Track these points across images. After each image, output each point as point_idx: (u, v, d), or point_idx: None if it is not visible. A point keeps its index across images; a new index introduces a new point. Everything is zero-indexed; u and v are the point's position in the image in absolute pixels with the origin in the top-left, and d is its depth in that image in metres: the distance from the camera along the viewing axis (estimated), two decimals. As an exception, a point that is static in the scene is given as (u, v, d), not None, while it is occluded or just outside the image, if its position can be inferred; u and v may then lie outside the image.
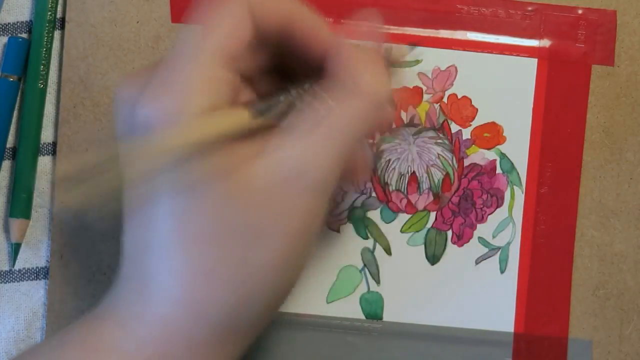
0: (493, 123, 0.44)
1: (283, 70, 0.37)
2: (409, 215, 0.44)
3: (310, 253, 0.36)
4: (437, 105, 0.44)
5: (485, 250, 0.44)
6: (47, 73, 0.44)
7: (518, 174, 0.44)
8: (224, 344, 0.34)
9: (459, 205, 0.44)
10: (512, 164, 0.44)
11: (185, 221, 0.33)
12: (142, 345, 0.33)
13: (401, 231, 0.44)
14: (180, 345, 0.33)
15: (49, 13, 0.44)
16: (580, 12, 0.44)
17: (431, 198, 0.44)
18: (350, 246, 0.44)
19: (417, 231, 0.44)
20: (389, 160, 0.44)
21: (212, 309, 0.33)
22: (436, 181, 0.44)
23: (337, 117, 0.34)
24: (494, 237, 0.44)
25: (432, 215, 0.44)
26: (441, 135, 0.44)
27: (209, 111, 0.32)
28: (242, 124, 0.33)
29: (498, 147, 0.44)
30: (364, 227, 0.44)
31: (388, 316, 0.44)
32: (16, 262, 0.44)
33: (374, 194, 0.44)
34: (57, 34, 0.45)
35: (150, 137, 0.32)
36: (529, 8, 0.44)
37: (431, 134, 0.44)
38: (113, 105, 0.35)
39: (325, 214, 0.35)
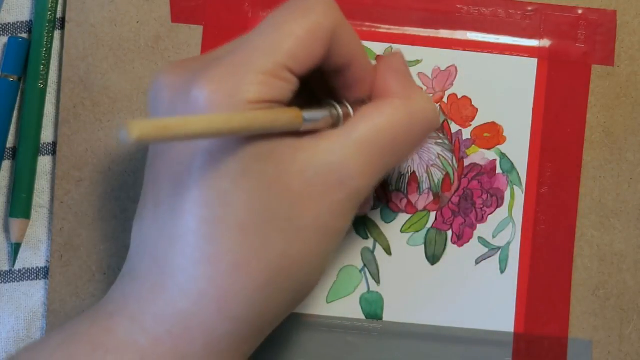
0: (493, 123, 0.44)
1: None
2: (409, 215, 0.44)
3: (332, 258, 0.36)
4: (437, 105, 0.44)
5: (485, 250, 0.44)
6: (47, 73, 0.44)
7: (518, 174, 0.44)
8: (242, 343, 0.33)
9: (459, 205, 0.44)
10: (512, 164, 0.44)
11: (221, 207, 0.32)
12: (158, 342, 0.32)
13: (401, 231, 0.44)
14: (199, 341, 0.32)
15: (49, 13, 0.44)
16: (580, 12, 0.44)
17: (431, 198, 0.44)
18: (350, 246, 0.44)
19: (417, 231, 0.44)
20: (389, 160, 0.44)
21: (238, 304, 0.32)
22: (436, 181, 0.44)
23: (380, 129, 0.34)
24: (494, 237, 0.44)
25: (432, 215, 0.44)
26: (441, 135, 0.44)
27: (263, 104, 0.32)
28: (295, 123, 0.33)
29: (498, 147, 0.44)
30: (364, 227, 0.44)
31: (388, 316, 0.44)
32: (16, 262, 0.44)
33: (374, 194, 0.44)
34: (57, 34, 0.45)
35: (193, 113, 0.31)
36: (529, 8, 0.44)
37: (431, 134, 0.44)
38: (151, 93, 0.35)
39: (352, 220, 0.35)
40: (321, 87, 0.37)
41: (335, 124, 0.35)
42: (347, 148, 0.34)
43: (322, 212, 0.33)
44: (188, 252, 0.32)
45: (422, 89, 0.37)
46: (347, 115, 0.35)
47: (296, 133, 0.33)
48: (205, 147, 0.32)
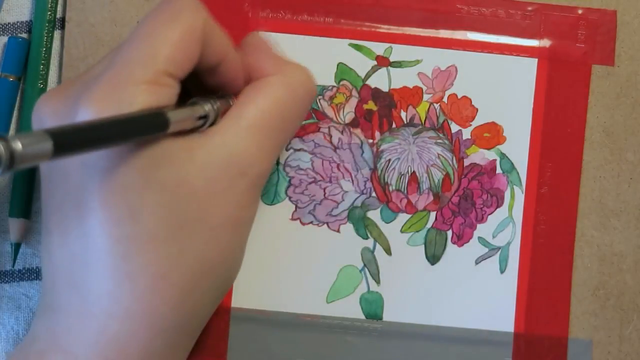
0: (493, 123, 0.44)
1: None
2: (409, 215, 0.44)
3: (245, 246, 0.35)
4: (437, 105, 0.44)
5: (485, 250, 0.44)
6: (47, 73, 0.44)
7: (518, 174, 0.44)
8: (177, 350, 0.33)
9: (459, 205, 0.44)
10: (512, 164, 0.44)
11: (130, 221, 0.31)
12: None
13: (401, 231, 0.44)
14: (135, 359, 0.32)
15: (49, 13, 0.44)
16: (580, 12, 0.44)
17: (431, 198, 0.44)
18: (350, 246, 0.44)
19: (417, 231, 0.44)
20: (389, 160, 0.44)
21: (168, 316, 0.32)
22: (436, 181, 0.44)
23: (269, 110, 0.34)
24: (494, 237, 0.44)
25: (432, 215, 0.44)
26: (441, 135, 0.44)
27: None
28: (159, 122, 0.32)
29: (498, 147, 0.44)
30: (364, 227, 0.44)
31: (388, 316, 0.44)
32: (16, 262, 0.44)
33: (374, 194, 0.44)
34: (57, 34, 0.45)
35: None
36: (529, 8, 0.44)
37: (431, 134, 0.44)
38: (33, 121, 0.34)
39: (257, 206, 0.35)
40: (196, 87, 0.37)
41: (208, 119, 0.34)
42: (240, 137, 0.33)
43: (229, 205, 0.33)
44: (107, 274, 0.31)
45: (293, 61, 0.37)
46: (217, 110, 0.35)
47: (188, 133, 0.33)
48: (101, 166, 0.31)
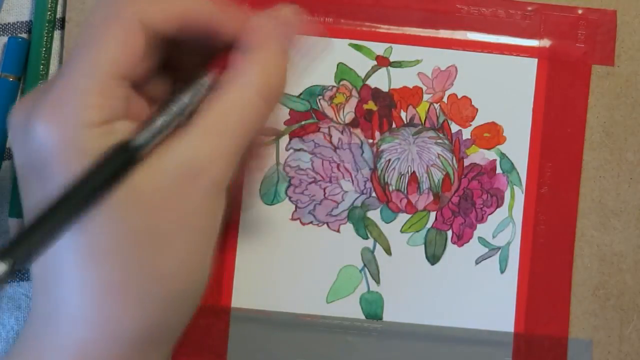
0: (493, 123, 0.44)
1: (176, 67, 0.36)
2: (409, 215, 0.44)
3: (212, 255, 0.34)
4: (437, 105, 0.44)
5: (485, 250, 0.44)
6: (47, 73, 0.44)
7: (518, 174, 0.44)
8: (146, 355, 0.33)
9: (459, 205, 0.44)
10: (512, 164, 0.44)
11: (88, 235, 0.31)
12: None
13: (401, 231, 0.44)
14: None
15: (49, 13, 0.44)
16: (580, 12, 0.44)
17: (431, 198, 0.44)
18: (350, 246, 0.44)
19: (417, 231, 0.44)
20: (389, 160, 0.44)
21: (127, 324, 0.32)
22: (436, 181, 0.44)
23: (224, 110, 0.33)
24: (494, 237, 0.44)
25: (432, 215, 0.44)
26: (441, 135, 0.44)
27: (105, 123, 0.32)
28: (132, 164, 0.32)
29: (498, 147, 0.44)
30: (364, 227, 0.44)
31: (388, 316, 0.44)
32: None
33: (374, 194, 0.44)
34: (57, 34, 0.45)
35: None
36: (529, 8, 0.44)
37: (431, 134, 0.44)
38: (8, 133, 0.34)
39: (224, 209, 0.34)
40: (182, 65, 0.36)
41: (195, 106, 0.34)
42: (191, 142, 0.32)
43: (183, 215, 0.32)
44: (69, 283, 0.32)
45: (282, 58, 0.35)
46: (204, 91, 0.34)
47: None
48: (62, 182, 0.31)
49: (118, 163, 0.31)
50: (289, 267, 0.44)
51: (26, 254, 0.29)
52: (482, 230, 0.44)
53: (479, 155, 0.44)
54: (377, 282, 0.44)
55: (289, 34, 0.36)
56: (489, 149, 0.44)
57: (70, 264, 0.32)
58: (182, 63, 0.36)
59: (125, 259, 0.32)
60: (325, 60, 0.44)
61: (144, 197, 0.32)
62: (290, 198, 0.44)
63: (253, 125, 0.34)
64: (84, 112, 0.31)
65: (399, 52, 0.44)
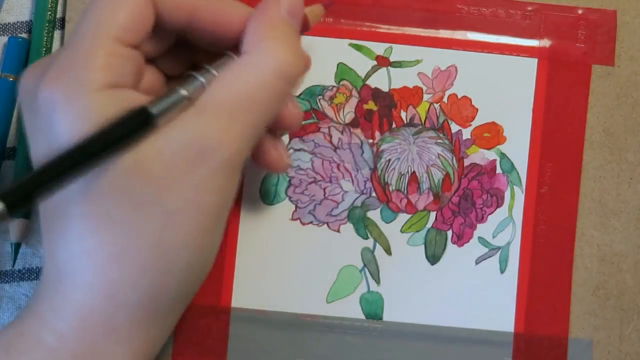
0: (493, 123, 0.44)
1: (192, 45, 0.36)
2: (409, 215, 0.44)
3: (222, 232, 0.35)
4: (437, 105, 0.44)
5: (485, 250, 0.44)
6: (47, 73, 0.44)
7: (518, 174, 0.44)
8: (145, 327, 0.33)
9: (459, 205, 0.44)
10: (512, 164, 0.44)
11: (96, 202, 0.32)
12: (63, 338, 0.32)
13: (401, 231, 0.44)
14: (100, 332, 0.32)
15: (49, 13, 0.44)
16: (580, 12, 0.44)
17: (431, 198, 0.44)
18: (350, 246, 0.44)
19: (417, 231, 0.44)
20: (389, 160, 0.44)
21: (128, 291, 0.32)
22: (436, 181, 0.44)
23: (236, 89, 0.33)
24: (494, 237, 0.44)
25: (432, 215, 0.44)
26: (441, 135, 0.44)
27: (111, 88, 0.32)
28: (144, 130, 0.32)
29: (498, 147, 0.44)
30: (364, 227, 0.44)
31: (388, 316, 0.44)
32: (16, 262, 0.44)
33: (374, 194, 0.44)
34: (57, 34, 0.45)
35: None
36: (529, 8, 0.44)
37: (431, 134, 0.44)
38: (18, 98, 0.35)
39: (235, 191, 0.34)
40: (196, 46, 0.36)
41: (208, 84, 0.34)
42: (202, 120, 0.33)
43: (189, 190, 0.32)
44: (72, 248, 0.32)
45: (294, 38, 0.35)
46: (210, 82, 0.34)
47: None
48: (66, 142, 0.32)
49: (132, 125, 0.31)
50: (289, 267, 0.44)
51: (24, 197, 0.29)
52: (482, 230, 0.44)
53: (479, 155, 0.44)
54: (377, 282, 0.44)
55: (296, 14, 0.36)
56: (489, 149, 0.44)
57: (75, 230, 0.32)
58: (200, 44, 0.36)
59: (130, 228, 0.32)
60: (325, 60, 0.44)
61: (153, 171, 0.32)
62: (290, 198, 0.44)
63: (268, 106, 0.34)
64: (88, 72, 0.32)
65: (399, 52, 0.44)
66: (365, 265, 0.44)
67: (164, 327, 0.35)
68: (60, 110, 0.32)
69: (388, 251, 0.44)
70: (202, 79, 0.34)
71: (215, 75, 0.34)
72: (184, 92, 0.33)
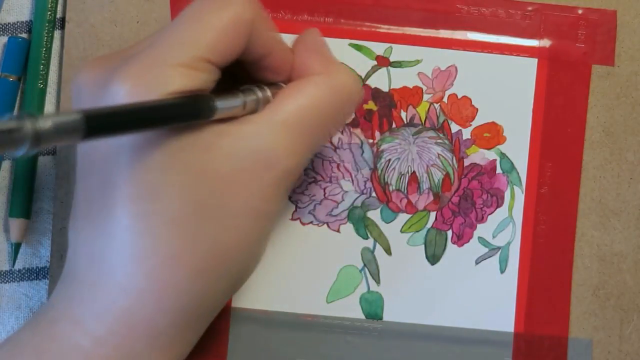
0: (493, 123, 0.44)
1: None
2: (409, 215, 0.44)
3: (268, 240, 0.35)
4: (437, 105, 0.44)
5: (485, 250, 0.44)
6: (47, 73, 0.44)
7: (518, 174, 0.44)
8: (185, 332, 0.33)
9: (459, 205, 0.44)
10: (512, 164, 0.44)
11: (150, 200, 0.31)
12: (100, 342, 0.32)
13: (401, 231, 0.44)
14: (141, 337, 0.32)
15: (49, 13, 0.44)
16: (580, 12, 0.44)
17: (431, 198, 0.44)
18: (350, 246, 0.44)
19: (417, 231, 0.44)
20: (389, 160, 0.44)
21: (177, 296, 0.32)
22: (436, 181, 0.44)
23: (304, 107, 0.34)
24: (494, 237, 0.44)
25: (432, 215, 0.44)
26: (441, 135, 0.44)
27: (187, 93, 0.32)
28: (206, 110, 0.32)
29: (498, 147, 0.44)
30: (364, 227, 0.44)
31: (388, 316, 0.44)
32: (16, 262, 0.44)
33: (374, 194, 0.44)
34: (57, 34, 0.45)
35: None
36: (529, 8, 0.44)
37: (431, 134, 0.44)
38: (73, 89, 0.34)
39: (286, 201, 0.35)
40: (242, 75, 0.37)
41: (254, 108, 0.34)
42: (271, 130, 0.33)
43: (252, 196, 0.33)
44: (123, 249, 0.32)
45: (342, 63, 0.37)
46: (266, 100, 0.35)
47: (220, 120, 0.33)
48: (130, 142, 0.32)
49: (197, 105, 0.32)
50: (289, 267, 0.44)
51: (101, 125, 0.28)
52: (482, 230, 0.44)
53: (479, 155, 0.44)
54: (377, 282, 0.44)
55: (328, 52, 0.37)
56: (489, 149, 0.44)
57: (126, 231, 0.32)
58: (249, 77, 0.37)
59: (188, 230, 0.32)
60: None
61: (219, 174, 0.32)
62: (290, 198, 0.44)
63: (329, 124, 0.35)
64: (170, 80, 0.31)
65: (399, 52, 0.44)
66: (365, 265, 0.44)
67: (200, 330, 0.35)
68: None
69: (388, 251, 0.44)
70: (259, 94, 0.35)
71: (269, 95, 0.35)
72: (242, 100, 0.34)
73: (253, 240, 0.33)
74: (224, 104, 0.33)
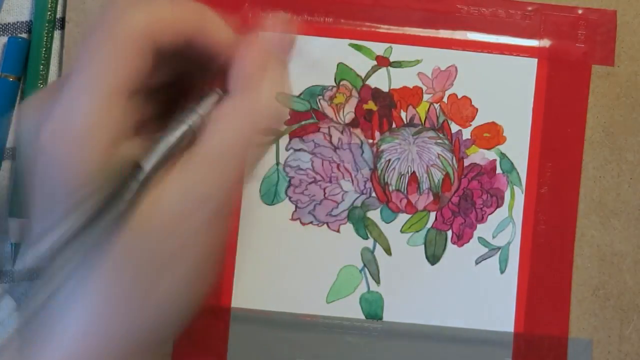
0: (493, 123, 0.44)
1: (182, 81, 0.36)
2: (409, 215, 0.44)
3: (215, 270, 0.35)
4: (437, 105, 0.44)
5: (485, 250, 0.44)
6: (47, 73, 0.44)
7: (518, 174, 0.44)
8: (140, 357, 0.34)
9: (459, 205, 0.44)
10: (512, 164, 0.44)
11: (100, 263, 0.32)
12: None
13: (401, 231, 0.44)
14: None
15: (49, 13, 0.44)
16: (580, 12, 0.44)
17: (431, 198, 0.44)
18: (350, 246, 0.44)
19: (417, 231, 0.44)
20: (389, 160, 0.44)
21: (124, 337, 0.33)
22: (436, 181, 0.44)
23: (228, 140, 0.34)
24: (494, 237, 0.44)
25: (432, 215, 0.44)
26: (441, 135, 0.44)
27: (111, 145, 0.32)
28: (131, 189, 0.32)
29: (498, 147, 0.44)
30: (364, 227, 0.44)
31: (388, 316, 0.44)
32: (16, 262, 0.44)
33: (374, 194, 0.44)
34: (57, 34, 0.45)
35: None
36: (529, 8, 0.44)
37: (431, 134, 0.44)
38: (18, 118, 0.35)
39: (227, 232, 0.35)
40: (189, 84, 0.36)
41: (192, 138, 0.34)
42: (196, 170, 0.33)
43: (188, 239, 0.33)
44: (70, 294, 0.32)
45: (274, 75, 0.35)
46: (198, 126, 0.34)
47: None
48: (64, 202, 0.32)
49: (129, 184, 0.32)
50: (289, 267, 0.44)
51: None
52: (482, 230, 0.44)
53: (479, 155, 0.44)
54: (377, 282, 0.44)
55: (285, 49, 0.36)
56: (489, 149, 0.44)
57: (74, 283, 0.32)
58: (191, 76, 0.36)
59: (128, 278, 0.32)
60: (325, 60, 0.44)
61: (152, 223, 0.32)
62: (290, 198, 0.44)
63: (255, 149, 0.35)
64: (88, 134, 0.31)
65: (399, 52, 0.44)
66: (365, 265, 0.44)
67: (149, 356, 0.35)
68: (60, 169, 0.32)
69: (388, 251, 0.44)
70: (190, 123, 0.34)
71: (203, 117, 0.34)
72: (173, 139, 0.33)
73: (195, 280, 0.34)
74: (156, 158, 0.33)
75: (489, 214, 0.44)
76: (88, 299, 0.32)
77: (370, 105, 0.44)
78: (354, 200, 0.44)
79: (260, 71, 0.35)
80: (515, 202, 0.44)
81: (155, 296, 0.33)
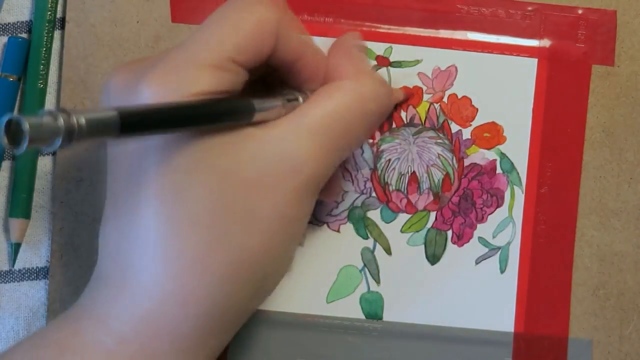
0: (493, 123, 0.44)
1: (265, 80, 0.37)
2: (409, 215, 0.44)
3: (295, 247, 0.35)
4: (437, 105, 0.44)
5: (485, 250, 0.44)
6: (47, 73, 0.44)
7: (518, 174, 0.44)
8: (208, 338, 0.33)
9: (459, 205, 0.44)
10: (512, 164, 0.44)
11: (177, 202, 0.31)
12: (124, 342, 0.32)
13: (401, 231, 0.44)
14: (165, 340, 0.32)
15: (49, 13, 0.44)
16: (580, 12, 0.44)
17: (431, 198, 0.44)
18: (350, 246, 0.44)
19: (417, 231, 0.44)
20: (389, 160, 0.44)
21: (201, 300, 0.32)
22: (436, 181, 0.44)
23: (331, 114, 0.34)
24: (494, 237, 0.44)
25: (432, 215, 0.44)
26: (441, 135, 0.44)
27: (213, 96, 0.32)
28: (245, 113, 0.32)
29: (498, 147, 0.44)
30: (364, 227, 0.44)
31: (388, 316, 0.44)
32: (16, 262, 0.44)
33: (374, 194, 0.44)
34: (57, 34, 0.45)
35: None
36: (529, 8, 0.44)
37: (431, 134, 0.44)
38: (103, 93, 0.34)
39: (312, 207, 0.35)
40: (274, 81, 0.37)
41: (287, 113, 0.34)
42: (297, 135, 0.33)
43: (278, 201, 0.33)
44: (148, 251, 0.32)
45: (374, 70, 0.38)
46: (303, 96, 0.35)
47: (247, 123, 0.33)
48: (157, 144, 0.32)
49: (237, 107, 0.32)
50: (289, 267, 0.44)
51: (135, 123, 0.28)
52: (482, 230, 0.44)
53: (479, 155, 0.44)
54: (377, 282, 0.44)
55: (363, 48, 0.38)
56: (489, 149, 0.44)
57: (152, 232, 0.32)
58: (282, 83, 0.37)
59: (215, 232, 0.32)
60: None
61: (244, 178, 0.32)
62: (290, 198, 0.44)
63: (357, 131, 0.35)
64: (196, 80, 0.32)
65: (399, 52, 0.44)
66: (365, 265, 0.44)
67: (225, 338, 0.34)
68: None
69: (388, 251, 0.44)
70: (300, 98, 0.35)
71: (301, 101, 0.35)
72: (281, 102, 0.34)
73: (279, 245, 0.33)
74: (262, 106, 0.33)
75: (489, 214, 0.44)
76: (173, 256, 0.31)
77: (370, 105, 0.44)
78: (354, 200, 0.44)
79: (352, 61, 0.36)
80: (515, 202, 0.44)
81: (243, 254, 0.32)
